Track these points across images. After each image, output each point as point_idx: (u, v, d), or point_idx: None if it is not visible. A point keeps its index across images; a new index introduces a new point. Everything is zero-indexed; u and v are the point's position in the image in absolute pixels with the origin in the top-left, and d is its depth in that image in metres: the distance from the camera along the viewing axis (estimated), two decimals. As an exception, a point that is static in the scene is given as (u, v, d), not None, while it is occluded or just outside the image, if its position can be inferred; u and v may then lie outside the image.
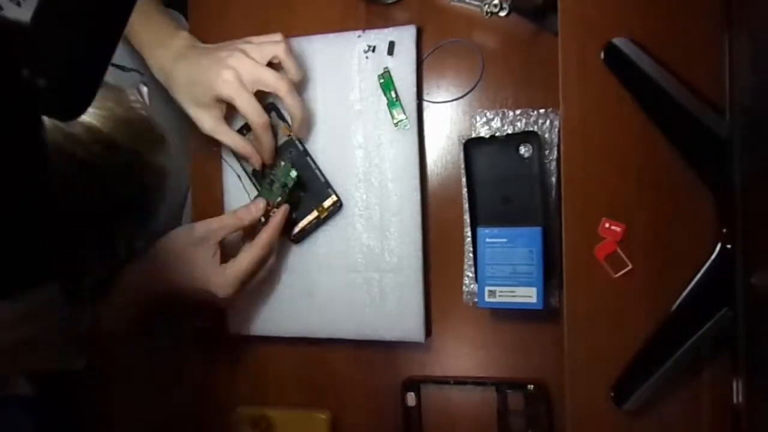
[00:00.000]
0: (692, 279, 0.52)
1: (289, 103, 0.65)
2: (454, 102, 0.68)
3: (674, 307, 0.53)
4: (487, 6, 0.62)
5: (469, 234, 0.65)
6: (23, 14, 0.34)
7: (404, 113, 0.67)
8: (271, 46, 0.65)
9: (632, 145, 0.54)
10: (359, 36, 0.69)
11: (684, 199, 0.53)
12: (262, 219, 0.66)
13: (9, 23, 0.34)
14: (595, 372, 0.55)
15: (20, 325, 0.45)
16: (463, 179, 0.66)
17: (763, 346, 0.48)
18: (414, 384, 0.69)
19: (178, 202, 0.81)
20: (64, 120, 0.37)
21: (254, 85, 0.64)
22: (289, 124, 0.69)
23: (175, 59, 0.65)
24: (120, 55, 0.69)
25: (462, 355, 0.69)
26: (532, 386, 0.65)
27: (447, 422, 0.69)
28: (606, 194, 0.55)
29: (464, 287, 0.67)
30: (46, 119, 0.35)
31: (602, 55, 0.54)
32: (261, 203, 0.66)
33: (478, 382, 0.67)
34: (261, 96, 0.66)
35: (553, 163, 0.63)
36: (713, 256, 0.52)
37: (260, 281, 0.67)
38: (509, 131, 0.64)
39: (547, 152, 0.63)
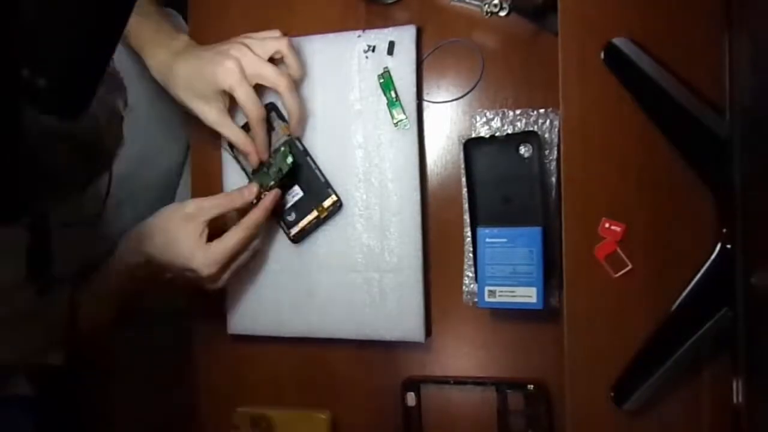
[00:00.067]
0: (692, 279, 0.52)
1: (288, 99, 0.65)
2: (454, 102, 0.68)
3: (674, 307, 0.53)
4: (487, 6, 0.62)
5: (469, 234, 0.65)
6: None
7: (404, 113, 0.67)
8: (273, 41, 0.65)
9: (632, 145, 0.54)
10: (359, 36, 0.69)
11: (684, 199, 0.53)
12: (254, 202, 0.67)
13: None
14: (595, 372, 0.55)
15: None
16: (463, 179, 0.66)
17: (763, 346, 0.48)
18: (414, 384, 0.69)
19: (164, 183, 0.81)
20: (63, 120, 0.37)
21: (255, 79, 0.64)
22: (288, 124, 0.69)
23: (176, 55, 0.66)
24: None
25: (462, 355, 0.69)
26: (532, 386, 0.65)
27: (447, 422, 0.69)
28: (606, 194, 0.55)
29: (464, 287, 0.67)
30: None
31: (602, 55, 0.54)
32: (254, 187, 0.67)
33: (478, 382, 0.67)
34: (260, 95, 0.66)
35: (553, 163, 0.63)
36: (713, 256, 0.52)
37: (243, 264, 0.67)
38: (509, 131, 0.64)
39: (547, 152, 0.63)
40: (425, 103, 0.69)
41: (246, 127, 0.68)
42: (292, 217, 0.70)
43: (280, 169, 0.67)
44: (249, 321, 0.73)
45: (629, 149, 0.54)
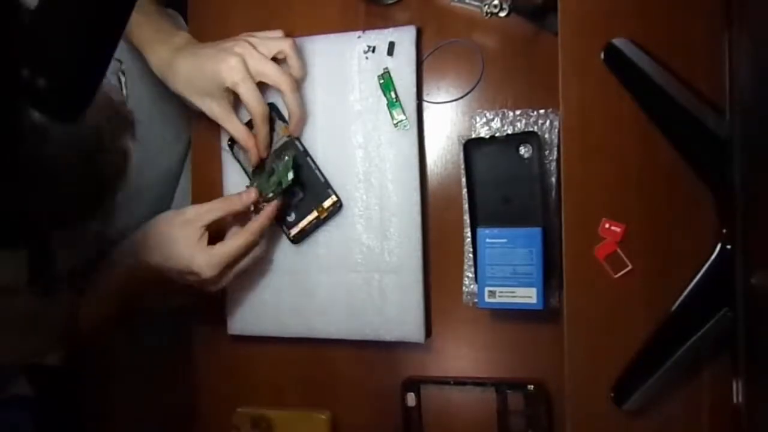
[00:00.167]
0: (692, 279, 0.52)
1: (289, 98, 0.65)
2: (454, 102, 0.68)
3: (674, 307, 0.53)
4: (487, 6, 0.62)
5: (469, 234, 0.65)
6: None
7: (404, 114, 0.67)
8: (277, 41, 0.66)
9: (632, 145, 0.54)
10: (359, 36, 0.69)
11: (684, 200, 0.53)
12: (252, 208, 0.67)
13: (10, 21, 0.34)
14: (595, 372, 0.55)
15: None
16: (463, 179, 0.66)
17: (763, 346, 0.48)
18: (414, 384, 0.69)
19: (165, 182, 0.81)
20: (63, 120, 0.37)
21: (258, 77, 0.64)
22: (288, 124, 0.69)
23: (176, 52, 0.66)
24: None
25: (462, 356, 0.69)
26: (532, 386, 0.65)
27: (447, 422, 0.69)
28: (606, 194, 0.55)
29: (464, 287, 0.67)
30: None
31: (602, 55, 0.54)
32: (253, 192, 0.67)
33: (478, 382, 0.67)
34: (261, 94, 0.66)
35: (553, 163, 0.63)
36: (713, 256, 0.52)
37: (244, 270, 0.67)
38: (509, 131, 0.64)
39: (547, 152, 0.63)
40: (425, 104, 0.69)
41: (248, 125, 0.68)
42: (292, 218, 0.70)
43: (281, 183, 0.67)
44: (249, 321, 0.73)
45: (629, 149, 0.54)
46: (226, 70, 0.63)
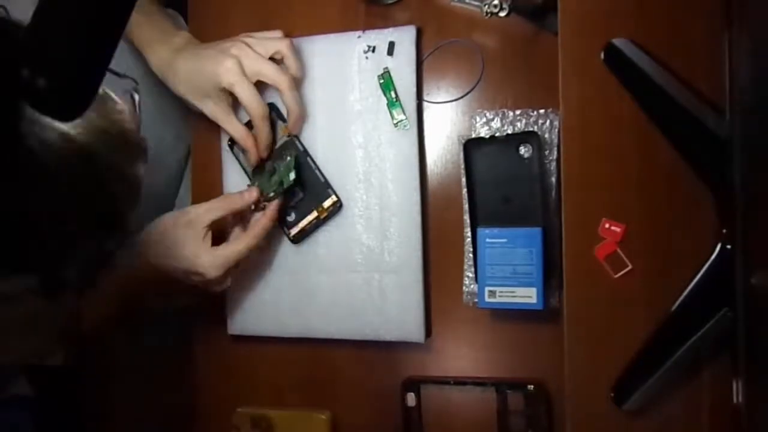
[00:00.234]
0: (692, 279, 0.52)
1: (287, 96, 0.65)
2: (454, 102, 0.68)
3: (674, 307, 0.53)
4: (487, 6, 0.62)
5: (469, 234, 0.65)
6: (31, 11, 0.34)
7: (404, 113, 0.67)
8: (274, 41, 0.66)
9: (632, 145, 0.54)
10: (359, 36, 0.69)
11: (684, 200, 0.53)
12: (252, 207, 0.67)
13: (9, 23, 0.34)
14: (595, 372, 0.55)
15: None
16: (463, 179, 0.66)
17: (763, 346, 0.48)
18: (414, 384, 0.69)
19: (166, 182, 0.82)
20: (63, 120, 0.37)
21: (255, 77, 0.64)
22: (287, 124, 0.69)
23: (177, 52, 0.66)
24: (116, 61, 0.70)
25: (462, 356, 0.69)
26: (532, 386, 0.65)
27: (447, 422, 0.69)
28: (606, 194, 0.55)
29: (464, 287, 0.67)
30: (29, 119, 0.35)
31: (602, 55, 0.54)
32: (254, 192, 0.67)
33: (478, 382, 0.67)
34: (260, 95, 0.66)
35: (553, 163, 0.63)
36: (713, 256, 0.52)
37: (242, 270, 0.68)
38: (509, 131, 0.64)
39: (547, 152, 0.63)
40: (425, 104, 0.69)
41: (248, 126, 0.68)
42: (292, 218, 0.70)
43: (282, 182, 0.67)
44: (249, 321, 0.73)
45: (629, 149, 0.54)
46: (222, 72, 0.63)
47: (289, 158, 0.68)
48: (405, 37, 0.67)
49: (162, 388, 0.79)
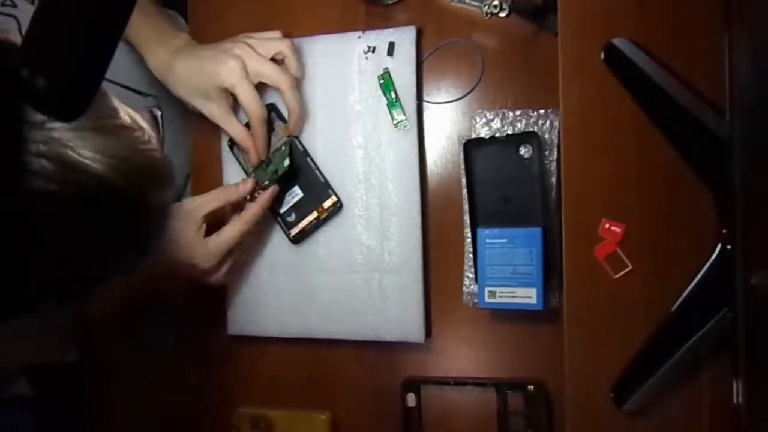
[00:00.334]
0: (692, 279, 0.52)
1: (288, 96, 0.65)
2: (454, 103, 0.68)
3: (674, 307, 0.53)
4: (487, 6, 0.62)
5: (469, 234, 0.65)
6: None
7: (404, 114, 0.67)
8: (275, 42, 0.66)
9: (632, 145, 0.54)
10: (359, 37, 0.69)
11: (684, 200, 0.53)
12: (248, 197, 0.67)
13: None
14: (595, 372, 0.55)
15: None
16: (463, 180, 0.66)
17: (763, 346, 0.48)
18: (414, 384, 0.69)
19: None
20: (63, 121, 0.37)
21: (257, 78, 0.65)
22: (288, 124, 0.69)
23: (176, 54, 0.66)
24: (138, 81, 0.70)
25: (462, 356, 0.69)
26: (532, 386, 0.65)
27: (447, 423, 0.69)
28: (606, 194, 0.55)
29: (464, 288, 0.67)
30: (42, 156, 0.36)
31: (602, 55, 0.54)
32: (250, 182, 0.67)
33: (478, 382, 0.67)
34: (261, 95, 0.66)
35: (553, 164, 0.63)
36: (713, 256, 0.52)
37: (240, 260, 0.68)
38: (509, 132, 0.64)
39: (547, 152, 0.63)
40: (425, 104, 0.69)
41: (248, 126, 0.68)
42: (292, 218, 0.70)
43: (277, 170, 0.67)
44: (249, 321, 0.73)
45: (629, 149, 0.54)
46: (224, 72, 0.63)
47: (284, 148, 0.68)
48: (405, 37, 0.67)
49: (162, 388, 0.79)
